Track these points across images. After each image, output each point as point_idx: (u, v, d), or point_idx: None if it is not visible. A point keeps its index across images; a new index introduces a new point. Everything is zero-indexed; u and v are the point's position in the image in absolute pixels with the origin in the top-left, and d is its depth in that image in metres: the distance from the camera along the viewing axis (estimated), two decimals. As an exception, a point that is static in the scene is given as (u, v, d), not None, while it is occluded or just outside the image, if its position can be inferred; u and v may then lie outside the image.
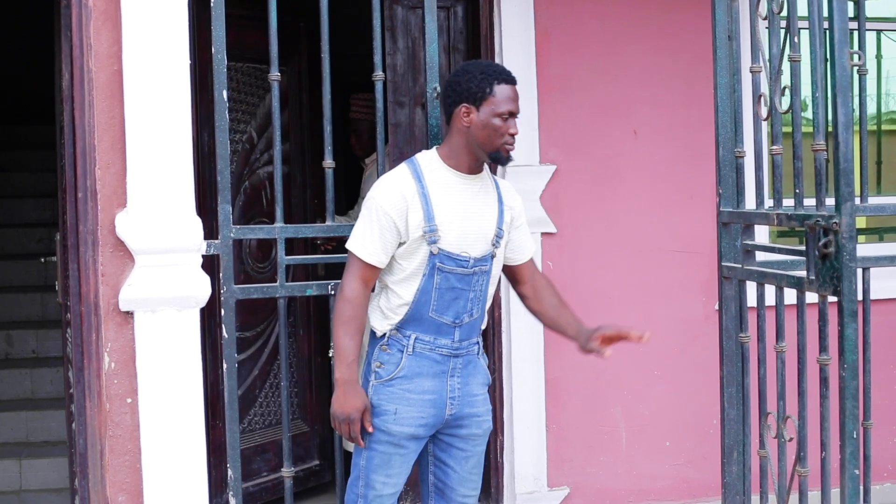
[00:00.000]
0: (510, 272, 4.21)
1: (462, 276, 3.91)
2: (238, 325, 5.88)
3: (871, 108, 6.62)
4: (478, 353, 4.09)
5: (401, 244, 3.88)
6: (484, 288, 4.00)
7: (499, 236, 4.00)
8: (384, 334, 3.97)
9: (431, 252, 3.86)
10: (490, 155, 3.91)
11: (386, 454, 3.95)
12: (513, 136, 3.91)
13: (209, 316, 5.32)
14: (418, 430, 3.95)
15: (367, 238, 3.87)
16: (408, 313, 3.92)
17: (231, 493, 4.18)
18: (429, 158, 3.97)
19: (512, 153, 3.93)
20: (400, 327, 3.94)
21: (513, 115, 3.91)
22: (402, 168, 3.96)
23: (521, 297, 4.28)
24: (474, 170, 3.96)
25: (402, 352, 3.93)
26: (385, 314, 3.97)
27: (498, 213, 4.02)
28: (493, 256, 3.99)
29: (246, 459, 6.02)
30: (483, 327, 4.11)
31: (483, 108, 3.88)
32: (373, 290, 4.02)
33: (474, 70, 3.94)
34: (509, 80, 3.95)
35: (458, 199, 3.92)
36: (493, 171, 4.19)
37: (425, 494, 4.17)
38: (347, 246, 3.93)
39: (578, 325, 4.18)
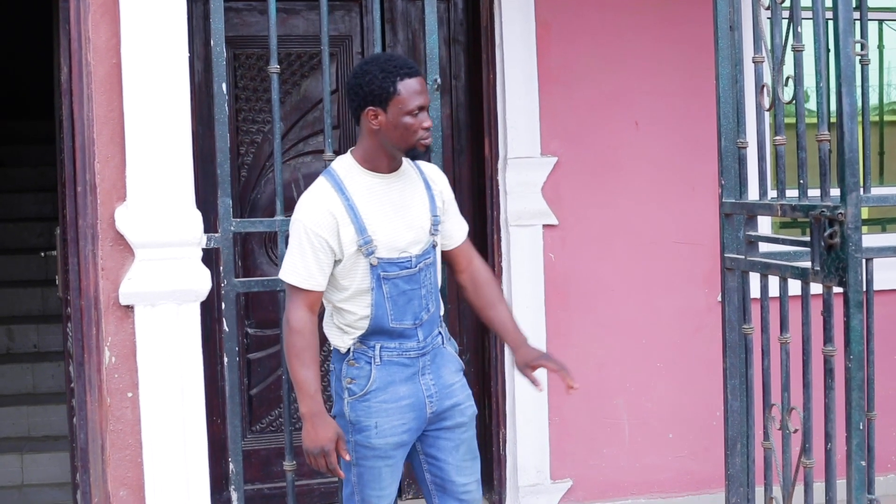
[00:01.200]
0: (445, 259, 4.09)
1: (409, 277, 3.82)
2: (256, 323, 5.94)
3: (874, 99, 6.60)
4: (443, 343, 4.00)
5: (336, 262, 3.77)
6: (433, 279, 3.92)
7: (435, 224, 3.91)
8: (348, 349, 3.88)
9: (371, 264, 3.75)
10: (407, 152, 3.79)
11: (375, 468, 3.88)
12: (427, 129, 3.77)
13: (207, 311, 5.32)
14: (402, 437, 3.88)
15: (300, 264, 3.74)
16: (368, 327, 3.82)
17: (233, 487, 4.17)
18: (346, 166, 3.84)
19: (429, 144, 3.81)
20: (363, 339, 3.85)
21: (423, 108, 3.75)
22: (322, 183, 3.81)
23: (460, 287, 4.16)
24: (393, 167, 3.85)
25: (370, 363, 3.84)
26: (344, 330, 3.88)
27: (429, 200, 3.92)
28: (434, 245, 3.92)
29: (265, 461, 6.01)
30: (442, 313, 4.03)
31: (390, 109, 3.72)
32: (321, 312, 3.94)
33: (373, 69, 3.76)
34: (412, 72, 3.77)
35: (385, 201, 3.80)
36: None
37: (427, 495, 4.09)
38: (281, 276, 3.80)
39: (517, 336, 4.11)
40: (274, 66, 4.12)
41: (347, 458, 3.82)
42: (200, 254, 4.06)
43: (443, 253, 4.05)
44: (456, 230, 4.07)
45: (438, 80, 4.23)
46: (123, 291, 3.98)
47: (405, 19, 6.10)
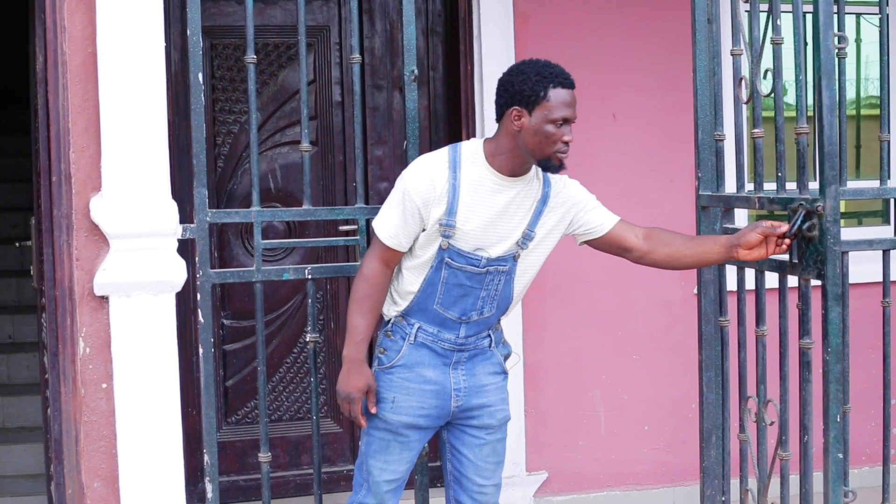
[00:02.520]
0: (608, 246, 4.04)
1: (473, 274, 3.80)
2: (232, 314, 5.94)
3: (851, 93, 6.62)
4: (490, 346, 3.97)
5: (422, 230, 3.79)
6: (501, 287, 3.87)
7: (527, 237, 3.85)
8: (389, 320, 3.91)
9: (441, 246, 3.76)
10: (540, 162, 3.73)
11: (384, 440, 3.90)
12: (566, 143, 3.71)
13: (183, 302, 5.30)
14: (418, 419, 3.88)
15: (390, 220, 3.79)
16: (413, 302, 3.84)
17: (208, 479, 4.15)
18: (472, 150, 3.81)
19: (564, 159, 3.73)
20: (405, 314, 3.87)
21: (567, 121, 3.70)
22: (442, 154, 3.82)
23: (650, 262, 4.05)
24: (517, 172, 3.79)
25: (405, 340, 3.87)
26: (394, 299, 3.91)
27: (533, 214, 3.85)
28: (515, 257, 3.85)
29: (240, 452, 5.99)
30: (506, 316, 4.02)
31: (536, 113, 3.67)
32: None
33: (529, 71, 3.74)
34: (567, 83, 3.75)
35: (490, 199, 3.77)
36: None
37: (446, 484, 4.08)
38: (373, 225, 3.87)
39: (722, 240, 3.88)
40: (251, 57, 4.10)
41: (374, 410, 3.88)
42: (176, 244, 4.04)
43: (603, 241, 4.01)
44: (600, 222, 3.99)
45: (416, 72, 4.21)
46: (98, 282, 3.95)
47: (383, 10, 6.09)
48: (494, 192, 3.77)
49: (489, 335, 3.97)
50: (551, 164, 3.73)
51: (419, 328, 3.86)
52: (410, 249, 3.85)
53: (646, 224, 5.87)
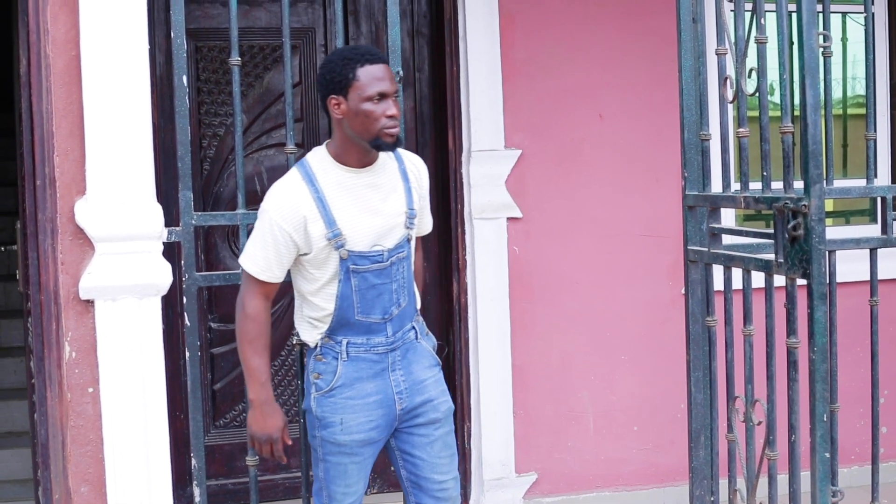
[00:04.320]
0: None
1: (380, 271, 3.78)
2: (220, 317, 5.93)
3: (838, 92, 6.62)
4: (416, 338, 3.95)
5: (303, 255, 3.74)
6: (406, 273, 3.87)
7: (411, 217, 3.85)
8: (316, 344, 3.85)
9: (341, 257, 3.71)
10: (371, 143, 3.69)
11: (342, 465, 3.84)
12: (391, 117, 3.66)
13: (170, 305, 5.29)
14: (370, 434, 3.84)
15: (260, 255, 3.72)
16: (333, 320, 3.78)
17: (195, 483, 4.14)
18: (319, 158, 3.78)
19: (396, 135, 3.70)
20: (330, 334, 3.81)
21: (385, 95, 3.65)
22: (294, 175, 3.76)
23: None
24: (365, 162, 3.77)
25: (337, 359, 3.80)
26: (312, 324, 3.85)
27: (406, 193, 3.85)
28: (408, 239, 3.86)
29: (228, 456, 5.98)
30: (418, 307, 4.00)
31: (350, 96, 3.65)
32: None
33: (335, 58, 3.73)
34: (374, 59, 3.70)
35: (357, 195, 3.74)
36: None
37: (405, 491, 4.05)
38: (240, 262, 3.78)
39: None
40: (235, 59, 4.09)
41: (289, 442, 3.88)
42: (161, 248, 4.03)
43: None
44: (423, 225, 4.03)
45: (401, 73, 4.20)
46: (83, 286, 3.95)
47: (368, 11, 6.08)
48: (357, 186, 3.75)
49: (413, 327, 3.94)
50: (383, 143, 3.69)
51: (348, 343, 3.80)
52: (303, 276, 3.81)
53: (633, 223, 5.90)
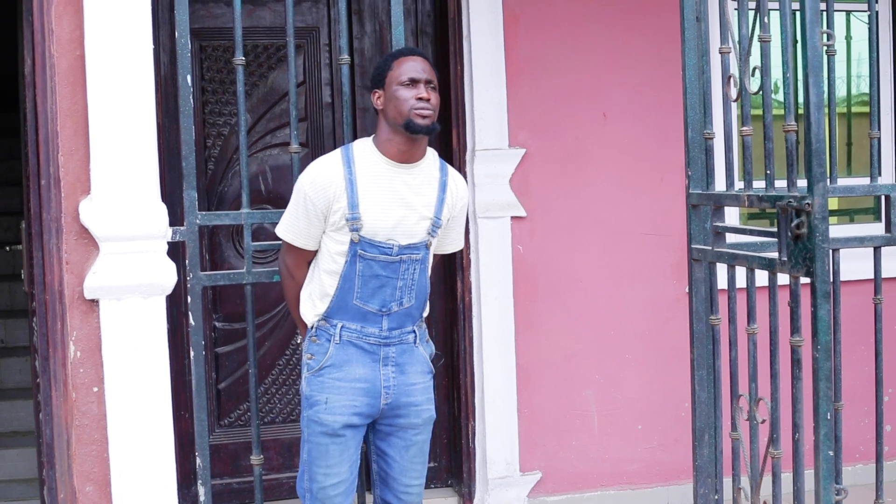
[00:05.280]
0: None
1: (387, 263, 3.86)
2: (224, 316, 5.92)
3: (842, 91, 6.62)
4: (415, 342, 4.01)
5: (328, 227, 3.88)
6: (417, 276, 3.94)
7: (435, 225, 3.94)
8: (313, 325, 3.95)
9: (352, 240, 3.82)
10: (405, 126, 3.82)
11: (323, 445, 3.90)
12: (421, 99, 3.83)
13: (175, 305, 5.29)
14: (352, 418, 3.90)
15: (293, 223, 3.92)
16: (332, 302, 3.89)
17: (200, 482, 4.15)
18: (363, 145, 3.93)
19: (428, 119, 3.84)
20: (327, 317, 3.91)
21: (415, 81, 3.85)
22: (335, 154, 3.93)
23: None
24: (407, 157, 3.89)
25: (330, 340, 3.90)
26: (314, 303, 3.95)
27: (437, 202, 3.95)
28: (427, 245, 3.94)
29: (233, 455, 5.98)
30: (424, 315, 4.07)
31: (387, 86, 3.87)
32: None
33: (379, 61, 4.01)
34: (411, 53, 3.95)
35: (387, 187, 3.86)
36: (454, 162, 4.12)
37: (372, 482, 4.14)
38: (276, 230, 3.97)
39: None
40: (239, 58, 4.10)
41: None
42: (166, 247, 4.04)
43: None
44: (447, 242, 4.14)
45: (405, 72, 4.21)
46: (88, 285, 3.95)
47: (372, 11, 6.08)
48: (390, 180, 3.87)
49: (414, 331, 4.01)
50: (414, 124, 3.83)
51: (343, 327, 3.89)
52: (323, 250, 3.93)
53: (637, 222, 5.91)
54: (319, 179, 3.84)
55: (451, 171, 4.06)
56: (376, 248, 3.83)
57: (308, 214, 3.84)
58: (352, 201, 3.80)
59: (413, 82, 3.83)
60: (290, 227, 3.91)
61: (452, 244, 4.16)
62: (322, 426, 3.88)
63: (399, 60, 3.89)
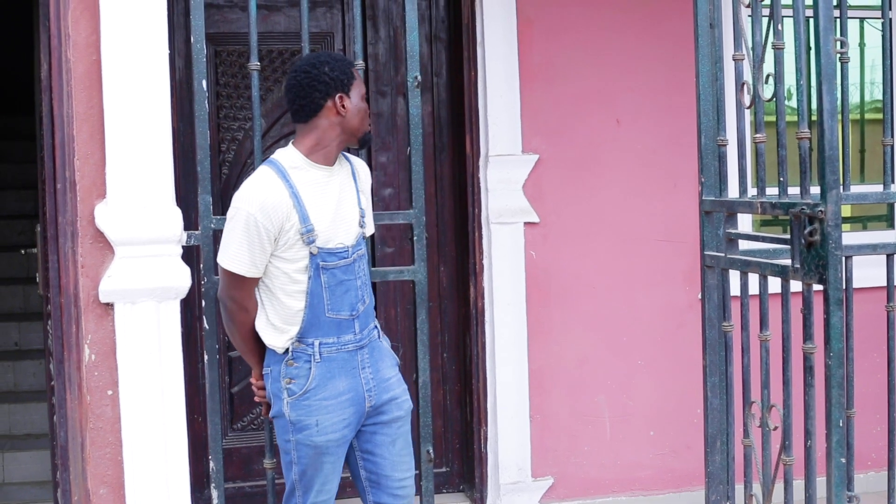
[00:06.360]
0: None
1: (346, 267, 3.85)
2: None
3: (856, 97, 6.62)
4: (379, 337, 4.03)
5: (275, 251, 3.78)
6: (366, 271, 3.98)
7: (362, 215, 3.96)
8: (287, 349, 3.86)
9: (311, 253, 3.77)
10: (360, 139, 3.88)
11: (317, 464, 3.88)
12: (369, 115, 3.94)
13: (188, 308, 5.31)
14: (344, 432, 3.88)
15: (245, 252, 3.74)
16: (304, 322, 3.82)
17: (213, 485, 4.16)
18: (288, 155, 3.83)
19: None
20: (301, 337, 3.84)
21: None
22: (266, 172, 3.80)
23: None
24: (333, 161, 3.89)
25: (310, 361, 3.83)
26: (280, 328, 3.86)
27: (356, 193, 3.97)
28: (364, 237, 3.96)
29: (246, 459, 5.99)
30: (373, 306, 4.06)
31: (352, 94, 3.84)
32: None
33: (326, 59, 3.86)
34: (354, 62, 3.99)
35: (326, 192, 3.83)
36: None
37: (361, 491, 4.09)
38: (220, 262, 3.80)
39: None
40: (254, 64, 4.11)
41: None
42: (180, 251, 4.05)
43: None
44: (367, 229, 4.07)
45: (419, 78, 4.22)
46: (103, 289, 3.97)
47: (386, 16, 6.10)
48: (325, 183, 3.85)
49: (375, 326, 4.03)
50: (368, 138, 3.92)
51: (320, 343, 3.84)
52: (273, 276, 3.82)
53: (650, 228, 5.91)
54: (268, 202, 3.71)
55: (350, 156, 4.05)
56: (335, 256, 3.82)
57: (261, 241, 3.72)
58: (302, 215, 3.74)
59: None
60: (238, 257, 3.74)
61: (370, 227, 4.07)
62: (315, 448, 3.85)
63: (354, 69, 3.92)
